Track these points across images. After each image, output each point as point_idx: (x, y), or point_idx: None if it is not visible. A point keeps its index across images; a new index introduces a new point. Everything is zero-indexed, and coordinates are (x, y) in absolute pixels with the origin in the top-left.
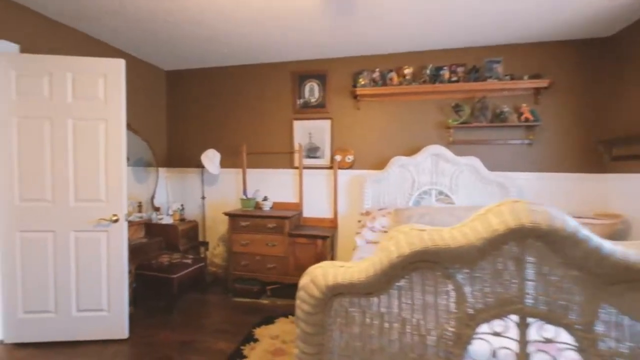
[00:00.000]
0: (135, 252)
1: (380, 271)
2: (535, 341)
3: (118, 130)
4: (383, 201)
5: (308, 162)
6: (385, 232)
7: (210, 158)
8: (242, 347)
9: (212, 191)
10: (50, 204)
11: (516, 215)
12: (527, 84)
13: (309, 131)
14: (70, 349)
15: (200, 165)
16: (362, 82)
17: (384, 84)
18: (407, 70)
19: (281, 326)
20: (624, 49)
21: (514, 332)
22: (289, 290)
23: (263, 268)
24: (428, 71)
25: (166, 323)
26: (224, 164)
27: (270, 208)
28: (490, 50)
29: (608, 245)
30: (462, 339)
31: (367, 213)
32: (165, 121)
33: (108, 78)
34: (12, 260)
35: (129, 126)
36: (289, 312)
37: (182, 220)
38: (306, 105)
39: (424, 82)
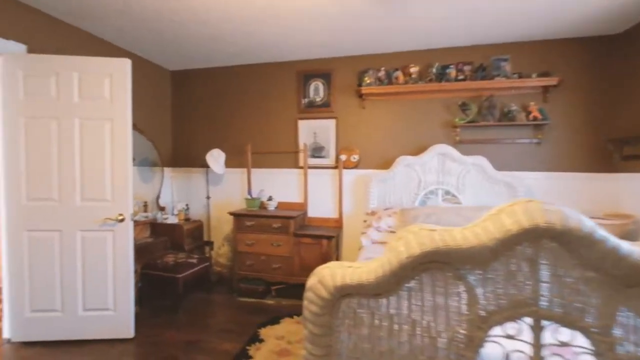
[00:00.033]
0: (140, 251)
1: (389, 272)
2: (550, 344)
3: (124, 130)
4: (389, 201)
5: (313, 161)
6: (392, 232)
7: (215, 158)
8: (247, 348)
9: (217, 191)
10: (57, 204)
11: (530, 215)
12: (536, 82)
13: (313, 131)
14: (76, 348)
15: (205, 165)
16: (368, 81)
17: (390, 82)
18: (413, 69)
19: (286, 326)
20: (634, 47)
21: (528, 335)
22: (294, 290)
23: (268, 268)
24: (434, 70)
25: (171, 322)
26: (228, 163)
27: (275, 208)
28: (497, 48)
29: (626, 246)
30: (474, 342)
31: (373, 213)
32: (170, 121)
33: (114, 78)
34: (19, 259)
35: (135, 126)
36: (294, 312)
37: (187, 220)
38: (311, 105)
39: (430, 80)
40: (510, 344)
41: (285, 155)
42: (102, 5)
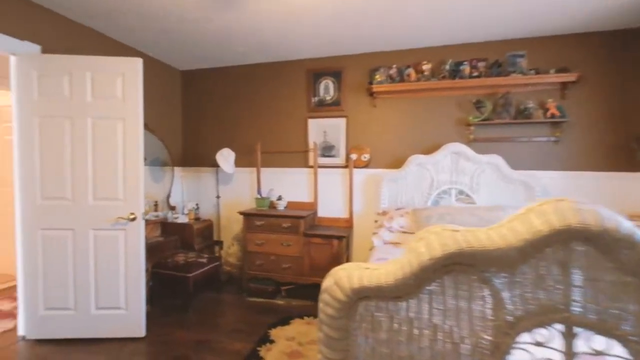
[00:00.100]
0: (151, 250)
1: (409, 274)
2: (584, 353)
3: (136, 129)
4: (400, 201)
5: (323, 161)
6: (404, 232)
7: (225, 157)
8: (258, 348)
9: (227, 190)
10: (70, 203)
11: (562, 215)
12: (554, 78)
13: (324, 129)
14: (89, 346)
15: (215, 165)
16: (379, 79)
17: (402, 80)
18: (426, 66)
19: (297, 327)
20: None
21: (559, 342)
22: (304, 290)
23: (278, 268)
24: (447, 66)
25: (182, 322)
26: (238, 163)
27: (285, 207)
28: (513, 44)
29: None
30: (501, 349)
31: (384, 213)
32: (180, 121)
33: (126, 77)
34: (34, 257)
35: (146, 126)
36: (304, 313)
37: (197, 219)
38: (321, 103)
39: (443, 77)
40: (539, 352)
41: (295, 154)
42: (112, 5)
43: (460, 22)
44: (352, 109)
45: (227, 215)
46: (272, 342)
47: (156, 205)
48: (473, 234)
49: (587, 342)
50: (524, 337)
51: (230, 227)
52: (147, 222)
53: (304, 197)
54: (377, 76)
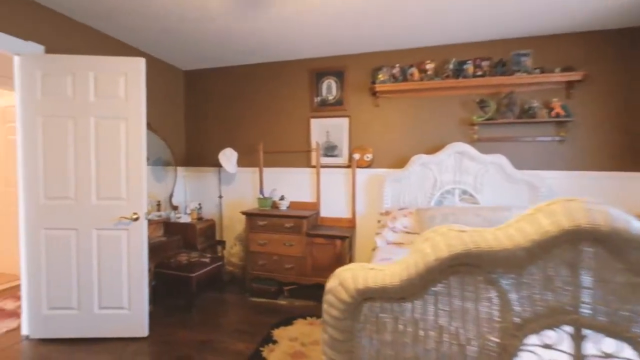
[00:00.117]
0: (154, 250)
1: (415, 275)
2: (593, 356)
3: (138, 129)
4: (403, 201)
5: (325, 160)
6: (408, 232)
7: (228, 157)
8: (261, 349)
9: (229, 190)
10: (73, 202)
11: (571, 215)
12: (559, 77)
13: (326, 129)
14: (92, 345)
15: (217, 164)
16: (382, 78)
17: (405, 79)
18: (429, 65)
19: (299, 328)
20: None
21: (567, 345)
22: (307, 291)
23: (280, 268)
24: (451, 66)
25: (185, 322)
26: (240, 162)
27: (287, 207)
28: (517, 43)
29: None
30: (508, 351)
31: (387, 213)
32: (183, 121)
33: (129, 77)
34: (37, 257)
35: (148, 126)
36: (306, 313)
37: (200, 219)
38: (324, 103)
39: (447, 77)
40: (547, 354)
41: (297, 154)
42: (114, 5)
43: (461, 21)
44: (354, 108)
45: (229, 215)
46: (274, 342)
47: (159, 205)
48: (480, 234)
49: (597, 344)
50: (532, 339)
51: (233, 227)
52: (150, 222)
53: (307, 197)
54: (380, 75)
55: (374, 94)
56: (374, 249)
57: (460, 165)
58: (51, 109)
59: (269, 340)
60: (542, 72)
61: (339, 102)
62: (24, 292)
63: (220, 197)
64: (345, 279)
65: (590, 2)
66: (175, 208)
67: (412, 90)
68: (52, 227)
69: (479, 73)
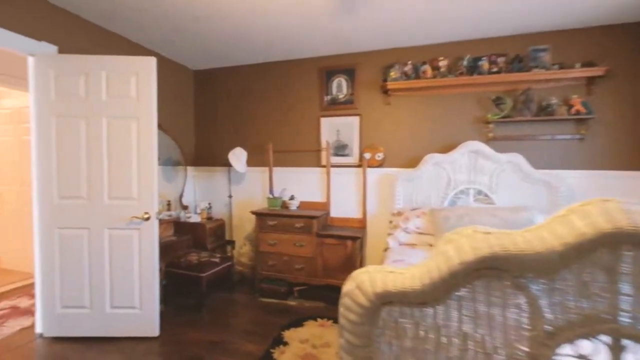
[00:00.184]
0: (164, 250)
1: (438, 279)
2: None
3: (149, 128)
4: (415, 201)
5: (336, 160)
6: (421, 233)
7: (238, 156)
8: (271, 350)
9: (239, 190)
10: (86, 202)
11: (610, 216)
12: (579, 72)
13: (337, 128)
14: (103, 344)
15: (227, 164)
16: (393, 76)
17: (417, 77)
18: (442, 62)
19: (310, 329)
20: None
21: (605, 356)
22: (317, 292)
23: (290, 269)
24: (465, 62)
25: (195, 322)
26: (250, 162)
27: (297, 207)
28: (534, 38)
29: None
30: None
31: (399, 213)
32: (193, 120)
33: (140, 76)
34: (51, 256)
35: (159, 125)
36: (317, 314)
37: (210, 218)
38: (334, 102)
39: (461, 74)
40: None
41: (307, 153)
42: (125, 4)
43: (476, 17)
44: (365, 107)
45: (239, 214)
46: (285, 344)
47: (169, 204)
48: (508, 236)
49: (637, 355)
50: (565, 349)
51: (243, 227)
52: (161, 222)
53: (317, 197)
54: (391, 73)
55: (385, 92)
56: (385, 250)
57: (475, 165)
58: (64, 109)
59: (280, 341)
60: (561, 67)
61: (349, 101)
62: (38, 291)
63: (230, 196)
64: (363, 282)
65: None
66: (185, 208)
67: (425, 87)
68: (65, 226)
69: (495, 70)
